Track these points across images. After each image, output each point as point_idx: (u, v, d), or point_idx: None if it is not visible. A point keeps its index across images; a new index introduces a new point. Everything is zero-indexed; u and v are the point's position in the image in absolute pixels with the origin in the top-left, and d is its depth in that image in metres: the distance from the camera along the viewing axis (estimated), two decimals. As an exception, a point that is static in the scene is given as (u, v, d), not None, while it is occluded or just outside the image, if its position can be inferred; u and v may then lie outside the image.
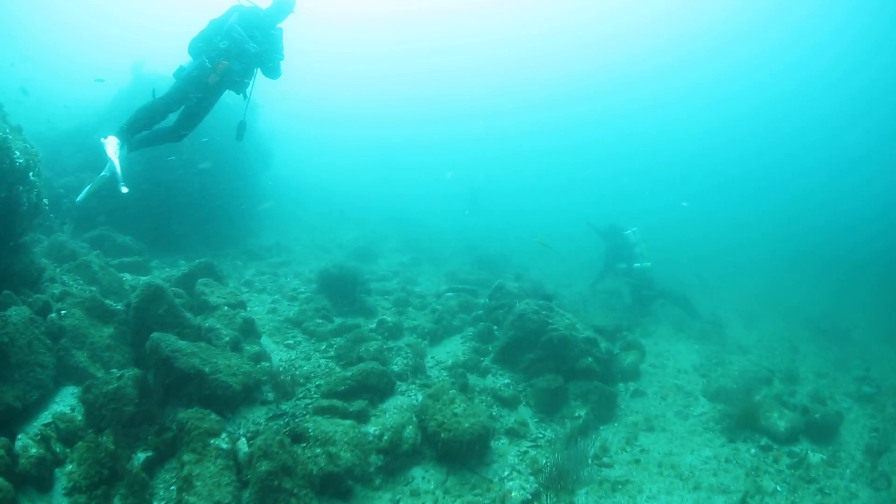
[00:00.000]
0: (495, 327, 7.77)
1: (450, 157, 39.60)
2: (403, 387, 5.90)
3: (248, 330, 6.18)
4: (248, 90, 5.65)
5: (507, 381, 6.45)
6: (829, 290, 18.36)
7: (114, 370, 4.81)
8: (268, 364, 5.68)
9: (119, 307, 5.59)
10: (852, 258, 23.50)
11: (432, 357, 6.94)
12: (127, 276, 8.00)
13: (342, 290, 8.32)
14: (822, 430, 6.40)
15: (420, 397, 5.61)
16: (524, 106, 46.45)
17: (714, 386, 7.61)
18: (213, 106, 5.62)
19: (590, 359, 6.57)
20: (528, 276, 10.34)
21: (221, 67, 5.27)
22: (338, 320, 7.67)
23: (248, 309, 7.77)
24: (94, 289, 6.44)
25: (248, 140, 15.06)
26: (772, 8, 35.00)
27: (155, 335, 5.02)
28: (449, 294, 9.14)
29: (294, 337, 6.88)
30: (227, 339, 5.68)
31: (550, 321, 6.68)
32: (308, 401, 5.24)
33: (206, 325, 5.83)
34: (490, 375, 6.62)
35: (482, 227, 23.36)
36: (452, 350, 7.23)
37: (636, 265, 11.84)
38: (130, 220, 10.09)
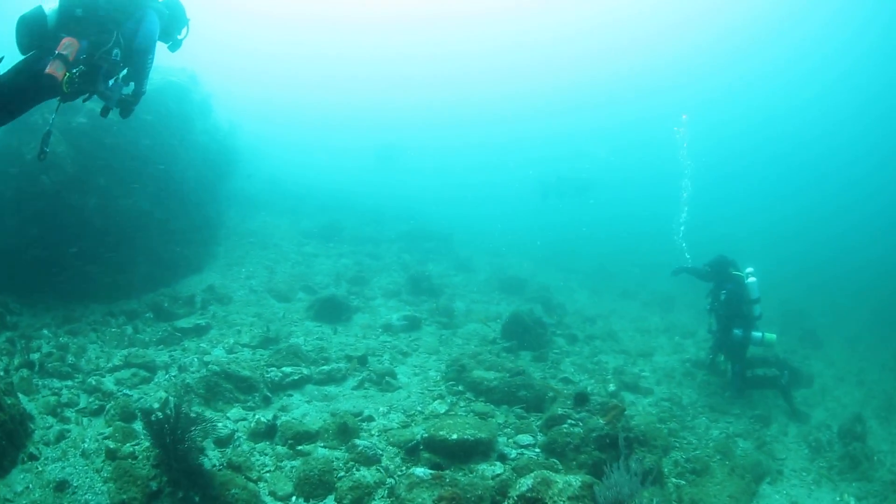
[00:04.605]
0: None
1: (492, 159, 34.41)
2: None
3: None
4: None
5: None
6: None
7: None
8: None
9: None
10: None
11: None
12: None
13: (180, 464, 4.02)
14: None
15: None
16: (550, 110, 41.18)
17: None
18: None
19: None
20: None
21: None
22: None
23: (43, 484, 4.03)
24: None
25: (190, 142, 10.30)
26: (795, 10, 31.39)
27: None
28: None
29: None
30: None
31: None
32: None
33: None
34: None
35: (543, 236, 18.56)
36: None
37: (756, 335, 7.30)
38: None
